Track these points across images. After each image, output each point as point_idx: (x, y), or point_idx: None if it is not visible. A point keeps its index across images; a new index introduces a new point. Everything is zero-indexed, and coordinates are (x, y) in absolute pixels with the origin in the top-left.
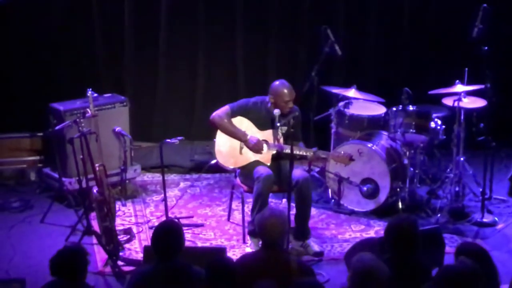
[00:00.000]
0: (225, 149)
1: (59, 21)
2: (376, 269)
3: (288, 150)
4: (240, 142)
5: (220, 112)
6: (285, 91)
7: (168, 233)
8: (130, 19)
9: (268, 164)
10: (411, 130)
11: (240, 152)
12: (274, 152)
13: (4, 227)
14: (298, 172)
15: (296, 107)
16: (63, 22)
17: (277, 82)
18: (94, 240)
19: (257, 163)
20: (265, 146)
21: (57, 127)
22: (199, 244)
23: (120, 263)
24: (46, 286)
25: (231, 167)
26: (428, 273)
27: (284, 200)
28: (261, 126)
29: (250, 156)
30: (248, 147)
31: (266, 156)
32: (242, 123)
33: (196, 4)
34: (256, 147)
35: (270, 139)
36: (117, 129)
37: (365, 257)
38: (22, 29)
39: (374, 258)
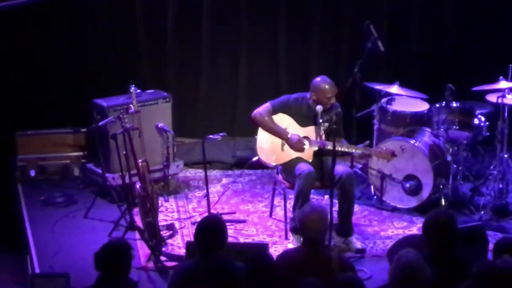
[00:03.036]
0: (267, 146)
1: (103, 18)
2: (420, 267)
3: (330, 146)
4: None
5: (261, 110)
6: (327, 87)
7: (211, 229)
8: (173, 16)
9: (310, 160)
10: (454, 126)
11: (282, 149)
12: (316, 148)
13: (48, 222)
14: (341, 168)
15: (338, 103)
16: (107, 18)
17: (318, 79)
18: (137, 236)
19: (299, 159)
20: (306, 142)
21: (100, 123)
22: (241, 240)
23: (162, 258)
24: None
25: (273, 164)
26: (468, 270)
27: (326, 197)
28: (302, 123)
29: (291, 153)
30: (289, 145)
31: (308, 152)
32: (283, 120)
33: (239, 3)
34: (297, 146)
35: (312, 136)
36: (160, 125)
37: (410, 254)
38: (67, 26)
39: (419, 256)
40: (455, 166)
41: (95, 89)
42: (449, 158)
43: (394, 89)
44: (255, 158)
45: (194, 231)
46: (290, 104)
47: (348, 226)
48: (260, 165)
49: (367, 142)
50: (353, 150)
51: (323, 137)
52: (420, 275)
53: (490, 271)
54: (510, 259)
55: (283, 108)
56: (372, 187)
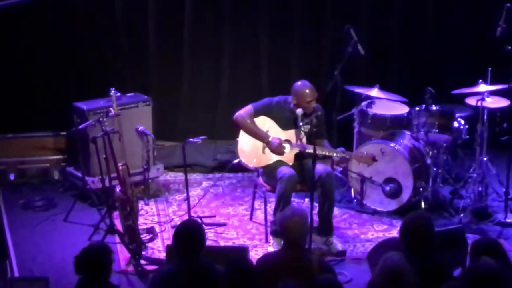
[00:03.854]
0: (248, 148)
1: (84, 21)
2: (405, 269)
3: (311, 150)
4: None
5: (243, 112)
6: (307, 91)
7: (189, 232)
8: (153, 19)
9: (291, 163)
10: (434, 129)
11: (263, 152)
12: (297, 151)
13: (28, 225)
14: (321, 167)
15: (319, 106)
16: (87, 21)
17: (298, 83)
18: (117, 239)
19: (280, 162)
20: (287, 145)
21: (80, 126)
22: (222, 244)
23: (142, 262)
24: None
25: (254, 166)
26: (446, 272)
27: (307, 200)
28: (284, 126)
29: (273, 156)
30: (270, 149)
31: (289, 155)
32: (265, 122)
33: (220, 5)
34: (277, 150)
35: (293, 139)
36: (140, 128)
37: (395, 257)
38: (46, 29)
39: (403, 258)
40: (435, 169)
41: (75, 92)
42: (429, 161)
43: (374, 92)
44: (236, 161)
45: (173, 235)
46: (272, 107)
47: (328, 225)
48: (240, 168)
49: (342, 148)
50: (334, 154)
51: (304, 140)
52: (405, 277)
53: (473, 275)
54: (489, 260)
55: (265, 111)
56: (352, 190)
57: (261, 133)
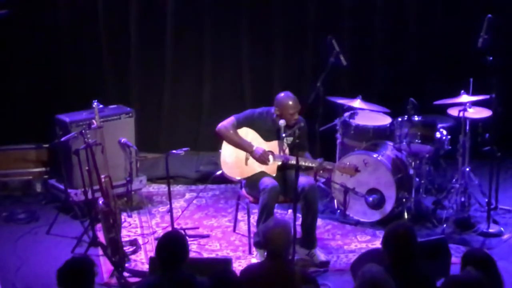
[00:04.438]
0: (231, 160)
1: (65, 33)
2: (385, 281)
3: (293, 161)
4: (246, 153)
5: (225, 123)
6: (290, 103)
7: (172, 244)
8: (136, 31)
9: (274, 175)
10: (416, 140)
11: (246, 163)
12: (280, 163)
13: (10, 238)
14: (304, 180)
15: (302, 117)
16: (69, 33)
17: (282, 94)
18: (100, 252)
19: (262, 174)
20: (270, 157)
21: (63, 139)
22: (205, 255)
23: (126, 274)
24: None
25: (237, 178)
26: (428, 282)
27: (290, 211)
28: (266, 137)
29: (255, 167)
30: (254, 157)
31: (271, 167)
32: (247, 134)
33: (201, 16)
34: (262, 158)
35: (276, 150)
36: (123, 140)
37: (373, 269)
38: (28, 41)
39: (381, 270)
40: (417, 179)
41: (57, 104)
42: (411, 171)
43: (357, 103)
44: (219, 172)
45: (155, 246)
46: (255, 118)
47: (311, 238)
48: (223, 179)
49: (321, 159)
50: (316, 165)
51: (287, 151)
52: None
53: (454, 284)
54: (473, 270)
55: (248, 122)
56: (335, 201)
57: (244, 142)
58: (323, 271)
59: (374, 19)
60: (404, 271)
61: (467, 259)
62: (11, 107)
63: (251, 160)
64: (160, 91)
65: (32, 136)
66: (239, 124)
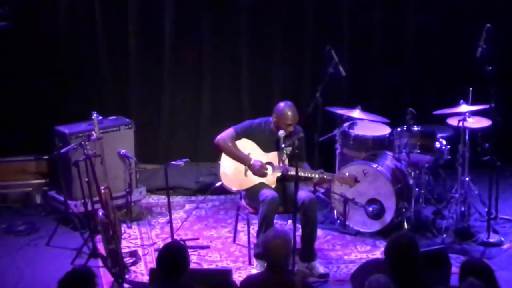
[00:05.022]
0: (230, 171)
1: (64, 44)
2: None
3: (293, 172)
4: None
5: (224, 135)
6: (289, 113)
7: (172, 255)
8: (134, 42)
9: (273, 186)
10: (416, 150)
11: (245, 175)
12: (279, 174)
13: (10, 250)
14: (304, 194)
15: (300, 128)
16: (68, 45)
17: (282, 104)
18: (100, 263)
19: (262, 185)
20: (270, 168)
21: (62, 150)
22: (205, 266)
23: (126, 285)
24: None
25: (236, 189)
26: None
27: (290, 222)
28: (265, 148)
29: (255, 179)
30: (252, 171)
31: (271, 178)
32: (246, 145)
33: (200, 27)
34: (260, 172)
35: (275, 161)
36: (122, 151)
37: (381, 279)
38: (28, 52)
39: (389, 281)
40: (417, 189)
41: (57, 116)
42: (411, 181)
43: (356, 113)
44: (218, 183)
45: (156, 257)
46: (253, 129)
47: (311, 251)
48: (223, 190)
49: (321, 170)
50: (316, 176)
51: (286, 162)
52: None
53: None
54: (475, 281)
55: (246, 133)
56: (335, 211)
57: (242, 155)
58: (323, 281)
59: (373, 29)
60: (406, 282)
61: (465, 269)
62: (11, 119)
63: (250, 171)
64: (159, 102)
65: (31, 148)
66: (238, 136)
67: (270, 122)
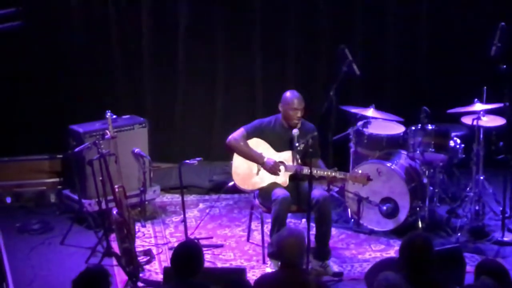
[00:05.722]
0: (242, 171)
1: (79, 43)
2: None
3: (307, 171)
4: (257, 164)
5: (235, 135)
6: (294, 99)
7: (187, 254)
8: (148, 41)
9: (285, 185)
10: (430, 149)
11: (257, 174)
12: (291, 173)
13: (24, 249)
14: (318, 192)
15: (314, 126)
16: (82, 44)
17: (287, 92)
18: (114, 262)
19: (274, 184)
20: (282, 167)
21: (76, 149)
22: (219, 265)
23: (140, 284)
24: None
25: (249, 189)
26: None
27: (304, 220)
28: (277, 146)
29: (267, 178)
30: (265, 169)
31: (283, 177)
32: (258, 145)
33: (214, 26)
34: (273, 169)
35: (288, 160)
36: (136, 150)
37: (390, 276)
38: (42, 52)
39: (399, 277)
40: (431, 188)
41: (71, 115)
42: (425, 180)
43: (370, 112)
44: (231, 183)
45: (170, 256)
46: (263, 127)
47: (325, 249)
48: (236, 189)
49: (335, 169)
50: (329, 174)
51: (299, 161)
52: None
53: None
54: (488, 280)
55: (257, 132)
56: (349, 210)
57: (255, 154)
58: (337, 280)
59: (387, 28)
60: (421, 282)
61: (480, 269)
62: (25, 118)
63: (263, 171)
64: (173, 101)
65: (46, 147)
66: (249, 135)
67: (280, 119)
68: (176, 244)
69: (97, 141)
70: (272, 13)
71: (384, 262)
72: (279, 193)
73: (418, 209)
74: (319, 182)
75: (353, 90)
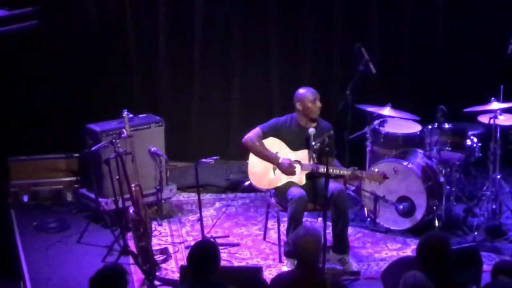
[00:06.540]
0: (258, 170)
1: (95, 42)
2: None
3: (322, 170)
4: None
5: (251, 135)
6: (309, 92)
7: (204, 253)
8: (164, 40)
9: (302, 184)
10: (446, 148)
11: (274, 173)
12: (308, 172)
13: (41, 247)
14: (333, 185)
15: (330, 125)
16: (99, 43)
17: (300, 89)
18: (131, 260)
19: (290, 183)
20: (298, 166)
21: (93, 148)
22: (235, 264)
23: (156, 283)
24: None
25: (265, 188)
26: None
27: (320, 219)
28: (293, 145)
29: (283, 177)
30: (280, 170)
31: (299, 176)
32: (274, 144)
33: (230, 25)
34: (288, 170)
35: (304, 159)
36: (153, 149)
37: (417, 275)
38: (59, 50)
39: (424, 277)
40: (448, 187)
41: (88, 114)
42: (442, 179)
43: (386, 111)
44: (247, 182)
45: (187, 255)
46: (280, 126)
47: (344, 243)
48: (253, 188)
49: (352, 167)
50: (345, 173)
51: (315, 160)
52: None
53: None
54: (506, 279)
55: (273, 132)
56: (365, 209)
57: (270, 154)
58: (354, 279)
59: (403, 27)
60: (438, 280)
61: (498, 269)
62: (42, 117)
63: (278, 170)
64: (189, 100)
65: (62, 146)
66: (265, 135)
67: (295, 118)
68: (192, 243)
69: (113, 140)
70: (288, 13)
71: (401, 261)
72: (295, 192)
73: (434, 208)
74: (335, 181)
75: (370, 89)
